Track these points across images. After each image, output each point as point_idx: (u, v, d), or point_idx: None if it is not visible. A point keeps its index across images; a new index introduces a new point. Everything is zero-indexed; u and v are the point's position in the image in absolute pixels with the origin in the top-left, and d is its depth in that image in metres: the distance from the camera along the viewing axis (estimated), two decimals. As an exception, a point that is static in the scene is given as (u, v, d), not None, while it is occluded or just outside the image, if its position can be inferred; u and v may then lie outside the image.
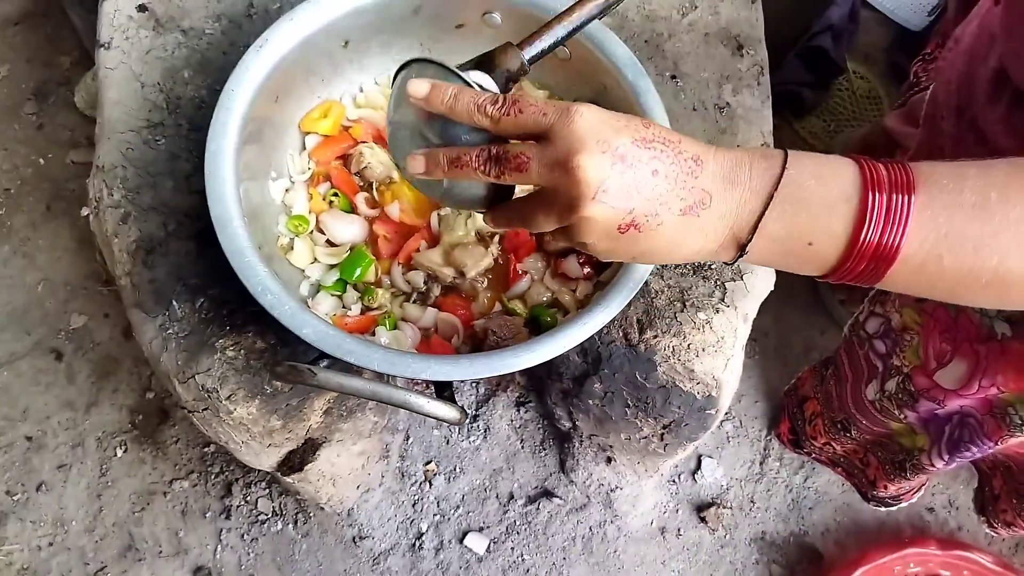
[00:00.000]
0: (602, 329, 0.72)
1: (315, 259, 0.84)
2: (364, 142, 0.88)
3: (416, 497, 1.33)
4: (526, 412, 1.35)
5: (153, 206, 0.84)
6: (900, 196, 0.48)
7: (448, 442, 1.36)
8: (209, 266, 0.82)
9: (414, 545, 1.32)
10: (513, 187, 0.60)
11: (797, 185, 0.50)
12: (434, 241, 0.86)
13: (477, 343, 0.82)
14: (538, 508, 1.34)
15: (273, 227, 0.84)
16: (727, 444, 1.51)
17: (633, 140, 0.51)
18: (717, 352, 0.86)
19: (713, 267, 0.88)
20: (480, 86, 0.59)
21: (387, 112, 0.65)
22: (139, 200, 0.84)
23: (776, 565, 1.44)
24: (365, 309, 0.84)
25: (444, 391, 0.68)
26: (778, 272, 0.85)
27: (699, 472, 1.46)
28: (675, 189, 0.51)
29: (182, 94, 0.89)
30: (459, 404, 0.71)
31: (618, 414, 0.95)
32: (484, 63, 0.65)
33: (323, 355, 0.68)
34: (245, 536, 1.33)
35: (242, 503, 1.34)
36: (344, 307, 0.84)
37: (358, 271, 0.83)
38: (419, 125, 0.60)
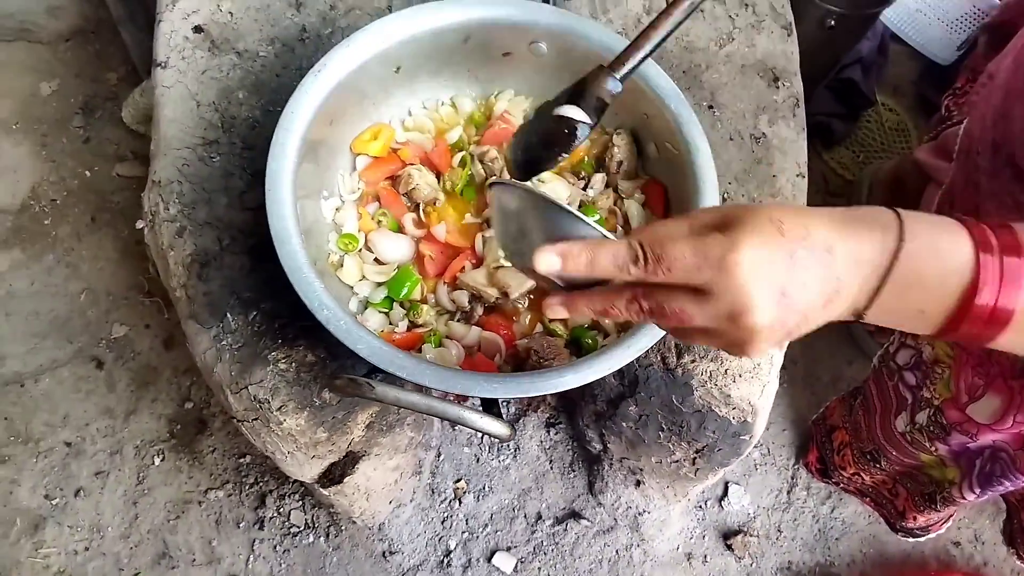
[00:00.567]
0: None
1: (363, 276, 0.87)
2: (412, 164, 0.91)
3: (446, 514, 1.35)
4: (556, 433, 1.36)
5: (208, 221, 0.86)
6: (1012, 259, 0.49)
7: (478, 460, 1.37)
8: (262, 280, 0.84)
9: (442, 562, 1.33)
10: None
11: (915, 260, 0.50)
12: (479, 262, 0.88)
13: (519, 362, 0.84)
14: (566, 529, 1.35)
15: (324, 244, 0.86)
16: (754, 472, 1.51)
17: (787, 268, 0.49)
18: (754, 378, 0.87)
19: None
20: (572, 119, 0.59)
21: (495, 233, 0.64)
22: (194, 215, 0.87)
23: (802, 595, 1.44)
24: (411, 326, 0.86)
25: (491, 408, 0.70)
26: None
27: (726, 499, 1.46)
28: (820, 291, 0.50)
29: (236, 114, 0.92)
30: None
31: (651, 437, 0.96)
32: (576, 93, 0.65)
33: (374, 370, 0.70)
34: (277, 547, 1.35)
35: (275, 514, 1.36)
36: (391, 324, 0.86)
37: (405, 289, 0.86)
38: (525, 232, 0.57)
